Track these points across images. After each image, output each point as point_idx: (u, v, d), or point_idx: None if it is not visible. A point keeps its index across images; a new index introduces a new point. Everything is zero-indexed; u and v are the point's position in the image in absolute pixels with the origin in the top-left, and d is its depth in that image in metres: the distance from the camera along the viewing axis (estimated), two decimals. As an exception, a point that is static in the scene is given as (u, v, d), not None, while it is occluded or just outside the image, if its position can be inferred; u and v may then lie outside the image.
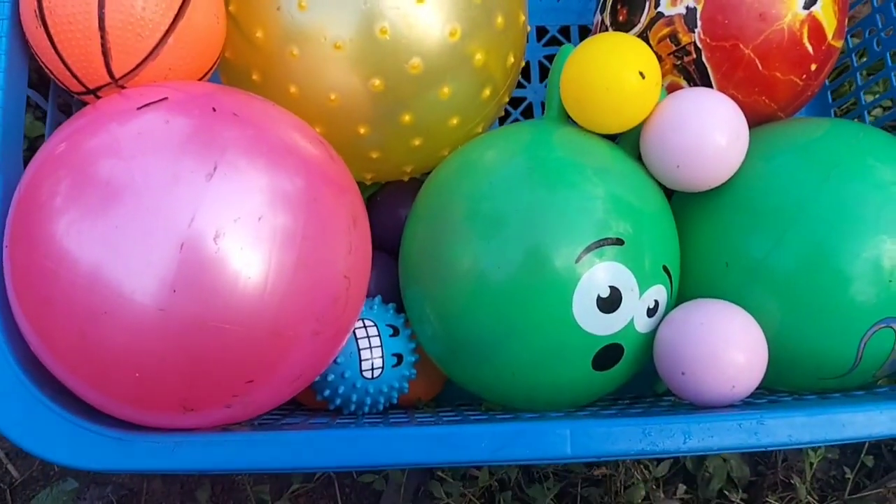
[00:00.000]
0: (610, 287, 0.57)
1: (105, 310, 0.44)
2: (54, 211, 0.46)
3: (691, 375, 0.58)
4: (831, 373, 0.62)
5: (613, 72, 0.61)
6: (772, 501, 0.78)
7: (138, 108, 0.47)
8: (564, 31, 0.90)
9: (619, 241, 0.58)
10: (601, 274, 0.57)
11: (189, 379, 0.47)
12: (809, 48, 0.66)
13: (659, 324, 0.61)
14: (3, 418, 0.51)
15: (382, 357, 0.64)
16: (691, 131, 0.61)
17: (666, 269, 0.61)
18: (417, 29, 0.58)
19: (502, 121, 0.86)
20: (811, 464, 0.79)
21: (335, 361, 0.62)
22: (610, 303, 0.58)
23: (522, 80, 0.87)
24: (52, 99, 0.63)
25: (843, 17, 0.69)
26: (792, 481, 0.80)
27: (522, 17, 0.66)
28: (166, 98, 0.48)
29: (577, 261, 0.57)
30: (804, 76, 0.67)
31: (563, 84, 0.63)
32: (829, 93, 0.89)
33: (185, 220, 0.44)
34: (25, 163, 0.53)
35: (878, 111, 0.88)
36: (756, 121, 0.69)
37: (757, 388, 0.59)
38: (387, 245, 0.73)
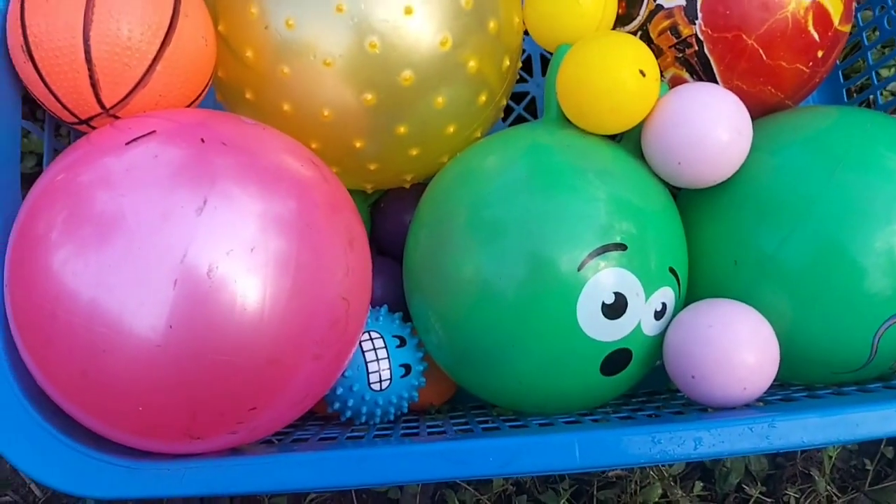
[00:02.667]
0: (615, 293, 0.57)
1: (104, 348, 0.45)
2: (50, 250, 0.46)
3: (701, 378, 0.57)
4: (846, 367, 0.61)
5: (612, 72, 0.59)
6: (791, 494, 0.77)
7: (127, 143, 0.47)
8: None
9: (623, 246, 0.57)
10: (605, 280, 0.57)
11: (192, 410, 0.48)
12: (815, 35, 0.64)
13: (667, 326, 0.61)
14: (14, 450, 0.52)
15: (390, 369, 0.64)
16: (692, 127, 0.60)
17: (673, 271, 0.60)
18: (408, 41, 0.57)
19: (504, 116, 0.85)
20: (830, 456, 0.78)
21: (343, 375, 0.62)
22: (615, 309, 0.57)
23: (524, 74, 0.86)
24: (49, 128, 0.63)
25: (850, 0, 0.67)
26: (811, 473, 0.79)
27: (517, 19, 0.65)
28: (154, 131, 0.48)
29: (579, 268, 0.56)
30: (811, 63, 0.66)
31: (560, 87, 0.62)
32: (840, 72, 0.87)
33: (177, 256, 0.44)
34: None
35: (894, 86, 0.85)
36: (763, 110, 0.68)
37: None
38: (393, 251, 0.73)
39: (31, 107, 0.59)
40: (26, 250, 0.47)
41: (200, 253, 0.45)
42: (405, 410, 0.67)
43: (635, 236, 0.58)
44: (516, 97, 0.85)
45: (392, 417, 0.67)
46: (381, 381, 0.63)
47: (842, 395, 0.62)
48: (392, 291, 0.71)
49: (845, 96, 0.87)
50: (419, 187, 0.70)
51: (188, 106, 0.56)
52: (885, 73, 0.84)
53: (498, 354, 0.60)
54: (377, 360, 0.63)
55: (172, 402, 0.47)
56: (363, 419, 0.65)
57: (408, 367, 0.65)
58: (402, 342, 0.65)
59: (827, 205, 0.58)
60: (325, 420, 0.70)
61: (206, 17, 0.57)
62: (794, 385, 0.67)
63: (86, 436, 0.52)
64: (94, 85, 0.51)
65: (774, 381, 0.58)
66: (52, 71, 0.51)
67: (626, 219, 0.58)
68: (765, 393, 0.59)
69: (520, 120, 0.85)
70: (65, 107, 0.53)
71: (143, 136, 0.48)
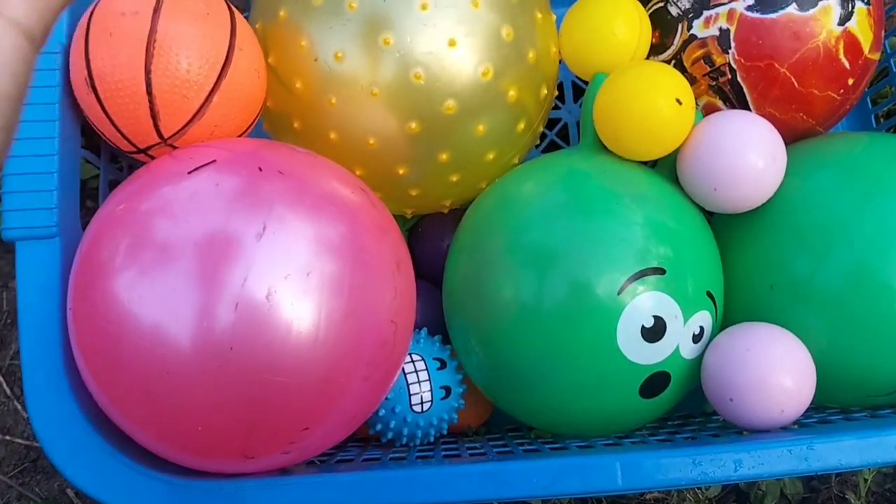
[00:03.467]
0: (654, 317, 0.58)
1: (168, 369, 0.46)
2: (114, 274, 0.48)
3: (740, 401, 0.58)
4: (881, 390, 0.62)
5: (649, 101, 0.61)
6: (826, 517, 0.77)
7: (189, 172, 0.49)
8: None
9: (661, 271, 0.58)
10: (644, 304, 0.58)
11: (248, 430, 0.49)
12: (846, 63, 0.66)
13: (705, 349, 0.62)
14: (75, 470, 0.53)
15: (431, 391, 0.65)
16: (727, 154, 0.61)
17: (710, 295, 0.62)
18: (451, 71, 0.59)
19: (538, 142, 0.86)
20: (865, 479, 0.78)
21: (385, 397, 0.63)
22: (654, 332, 0.58)
23: (556, 101, 0.88)
24: (105, 157, 0.65)
25: (880, 29, 0.68)
26: (846, 496, 0.79)
27: (554, 49, 0.67)
28: (215, 161, 0.50)
29: (619, 292, 0.58)
30: (842, 91, 0.67)
31: (597, 114, 0.64)
32: (868, 98, 0.88)
33: (238, 280, 0.46)
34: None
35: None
36: (795, 136, 0.69)
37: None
38: (430, 275, 0.75)
39: (87, 137, 0.61)
40: (91, 276, 0.49)
41: (260, 277, 0.47)
42: (445, 432, 0.68)
43: (672, 260, 0.59)
44: (549, 123, 0.86)
45: (432, 439, 0.68)
46: (422, 403, 0.65)
47: (877, 417, 0.62)
48: (430, 315, 0.73)
49: (874, 122, 0.88)
50: (456, 212, 0.72)
51: (240, 135, 0.58)
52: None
53: (538, 376, 0.61)
54: (418, 382, 0.65)
55: (230, 422, 0.48)
56: (404, 441, 0.66)
57: (448, 390, 0.66)
58: (443, 364, 0.66)
59: (860, 229, 0.59)
60: (365, 442, 0.72)
61: (258, 50, 0.59)
62: (829, 408, 0.67)
63: (141, 454, 0.54)
64: (153, 116, 0.53)
65: (810, 403, 0.59)
66: (114, 103, 0.53)
67: (663, 243, 0.60)
68: (801, 416, 0.60)
69: (552, 145, 0.87)
70: (125, 137, 0.55)
71: (205, 165, 0.50)
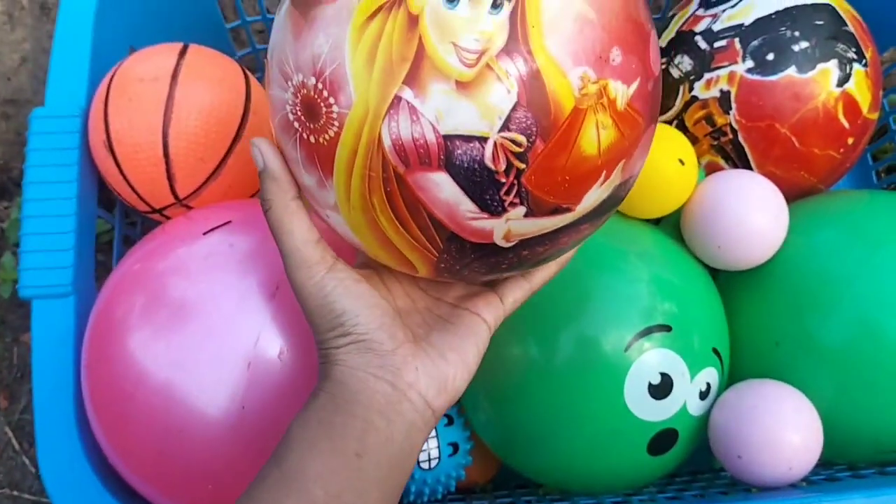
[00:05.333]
0: (660, 374, 0.58)
1: (180, 427, 0.47)
2: (129, 333, 0.49)
3: (748, 458, 0.58)
4: (889, 446, 0.62)
5: (653, 161, 0.61)
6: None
7: (204, 233, 0.50)
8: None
9: (667, 328, 0.59)
10: (651, 361, 0.58)
11: (258, 488, 0.49)
12: (845, 123, 0.67)
13: (712, 406, 0.62)
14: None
15: (438, 447, 0.65)
16: (730, 213, 0.63)
17: (716, 351, 0.62)
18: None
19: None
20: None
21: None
22: (661, 389, 0.58)
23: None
24: (119, 214, 0.66)
25: (878, 89, 0.70)
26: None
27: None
28: (230, 221, 0.51)
29: (626, 349, 0.58)
30: (842, 150, 0.68)
31: (603, 174, 0.65)
32: (868, 155, 0.89)
33: (251, 339, 0.47)
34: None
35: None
36: (797, 194, 0.70)
37: (813, 464, 0.59)
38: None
39: (101, 192, 0.63)
40: (105, 334, 0.50)
41: (273, 336, 0.48)
42: (452, 489, 0.68)
43: (678, 317, 0.60)
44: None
45: (439, 496, 0.67)
46: (429, 460, 0.65)
47: (885, 475, 0.62)
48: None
49: (874, 178, 0.89)
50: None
51: (254, 195, 0.60)
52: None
53: (546, 433, 0.61)
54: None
55: (241, 480, 0.48)
56: (411, 498, 0.66)
57: (455, 446, 0.66)
58: (450, 421, 0.67)
59: (864, 286, 0.60)
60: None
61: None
62: (837, 464, 0.67)
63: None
64: (170, 178, 0.55)
65: (818, 460, 0.59)
66: (131, 165, 0.55)
67: (668, 300, 0.60)
68: (809, 473, 0.60)
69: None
70: (141, 198, 0.56)
71: (220, 226, 0.51)
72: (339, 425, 0.37)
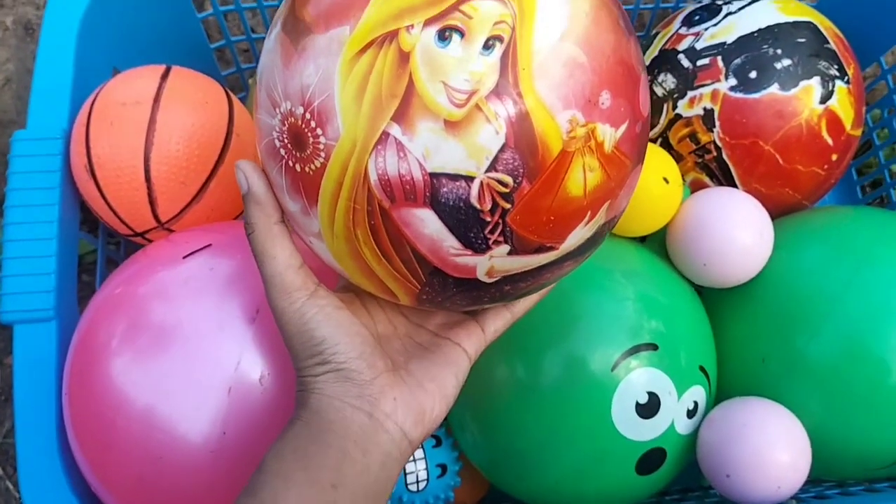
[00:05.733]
0: (648, 392, 0.58)
1: (161, 454, 0.46)
2: (111, 360, 0.48)
3: (736, 477, 0.58)
4: (878, 463, 0.62)
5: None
6: None
7: (184, 257, 0.50)
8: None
9: (653, 346, 0.59)
10: (638, 380, 0.58)
11: (241, 514, 0.49)
12: (829, 140, 0.67)
13: (700, 424, 0.62)
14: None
15: (427, 469, 0.64)
16: (715, 230, 0.63)
17: (703, 369, 0.62)
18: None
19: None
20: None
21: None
22: (649, 408, 0.58)
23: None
24: (102, 236, 0.66)
25: (860, 105, 0.70)
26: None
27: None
28: (210, 245, 0.51)
29: (612, 368, 0.58)
30: (826, 166, 0.69)
31: (588, 193, 0.65)
32: (853, 170, 0.90)
33: (231, 364, 0.47)
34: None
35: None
36: (782, 211, 0.70)
37: (802, 482, 0.59)
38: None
39: (84, 213, 0.63)
40: (87, 360, 0.50)
41: (253, 360, 0.47)
42: (441, 510, 0.67)
43: (665, 335, 0.60)
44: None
45: (428, 518, 0.67)
46: (417, 482, 0.64)
47: (874, 491, 0.62)
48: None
49: (860, 193, 0.89)
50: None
51: (236, 217, 0.59)
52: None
53: (534, 453, 0.61)
54: (414, 460, 0.64)
55: (223, 506, 0.48)
56: (400, 520, 0.66)
57: (444, 468, 0.66)
58: (438, 442, 0.66)
59: (851, 303, 0.60)
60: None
61: (254, 135, 0.61)
62: (826, 481, 0.67)
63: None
64: (151, 202, 0.54)
65: (807, 477, 0.59)
66: (112, 189, 0.54)
67: (654, 318, 0.60)
68: (798, 490, 0.59)
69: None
70: (122, 221, 0.56)
71: (200, 249, 0.50)
72: (314, 455, 0.37)
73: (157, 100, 0.54)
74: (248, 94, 0.80)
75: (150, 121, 0.53)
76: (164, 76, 0.57)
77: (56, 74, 0.60)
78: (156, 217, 0.55)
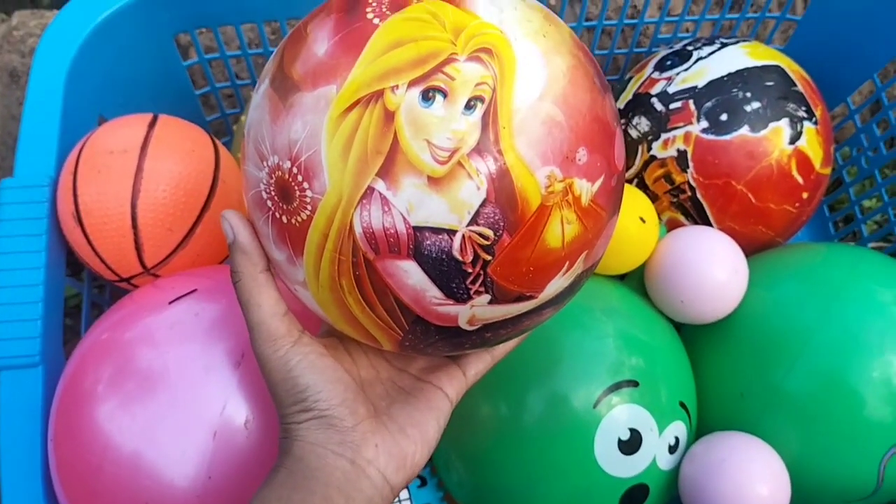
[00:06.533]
0: (629, 429, 0.59)
1: (147, 499, 0.47)
2: (97, 405, 0.49)
3: (718, 511, 0.59)
4: (854, 496, 0.62)
5: (613, 219, 0.64)
6: None
7: (170, 302, 0.51)
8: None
9: (634, 383, 0.60)
10: (619, 417, 0.59)
11: (227, 559, 0.49)
12: (799, 179, 0.69)
13: (682, 460, 0.62)
14: None
15: (412, 509, 0.65)
16: (691, 268, 0.64)
17: (683, 405, 0.63)
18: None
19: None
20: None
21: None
22: (631, 445, 0.59)
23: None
24: (87, 282, 0.66)
25: (829, 145, 0.72)
26: None
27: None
28: (196, 290, 0.52)
29: (594, 405, 0.59)
30: (797, 204, 0.70)
31: (567, 233, 0.66)
32: (825, 206, 0.92)
33: (217, 408, 0.47)
34: (65, 350, 0.57)
35: (873, 226, 0.90)
36: (756, 248, 0.72)
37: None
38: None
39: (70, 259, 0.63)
40: (73, 406, 0.50)
41: (238, 405, 0.48)
42: (427, 550, 0.67)
43: (645, 372, 0.61)
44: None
45: (414, 558, 0.67)
46: (403, 522, 0.64)
47: (854, 523, 0.63)
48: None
49: (832, 228, 0.91)
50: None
51: (222, 262, 0.60)
52: (868, 203, 0.89)
53: (519, 492, 0.61)
54: (399, 501, 0.65)
55: (209, 552, 0.48)
56: (385, 561, 0.66)
57: (429, 507, 0.66)
58: (423, 482, 0.67)
59: (824, 337, 0.61)
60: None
61: (240, 181, 0.62)
62: (806, 514, 0.68)
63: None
64: (138, 248, 0.55)
65: (786, 512, 0.60)
66: (99, 236, 0.55)
67: (635, 355, 0.61)
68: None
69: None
70: (109, 267, 0.56)
71: (186, 294, 0.51)
72: (298, 503, 0.37)
73: (144, 148, 0.55)
74: (232, 139, 0.81)
75: (137, 168, 0.54)
76: (152, 124, 0.58)
77: (43, 122, 0.61)
78: (142, 263, 0.56)
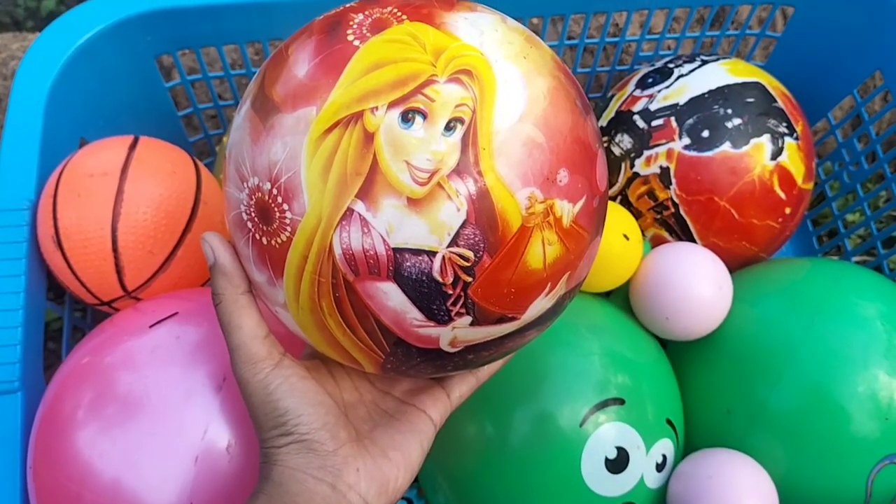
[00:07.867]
0: (616, 448, 0.59)
1: (127, 527, 0.46)
2: (77, 431, 0.48)
3: (706, 529, 0.58)
4: (844, 510, 0.62)
5: (597, 237, 0.64)
6: None
7: (151, 326, 0.50)
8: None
9: (620, 401, 0.60)
10: (606, 435, 0.59)
11: (210, 586, 0.48)
12: (781, 194, 0.70)
13: (669, 477, 0.62)
14: None
15: (399, 531, 0.64)
16: (675, 285, 0.64)
17: (670, 422, 0.63)
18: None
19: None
20: None
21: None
22: (618, 463, 0.59)
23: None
24: (68, 305, 0.66)
25: (810, 161, 0.73)
26: None
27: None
28: (177, 313, 0.51)
29: (581, 424, 0.58)
30: (780, 219, 0.71)
31: (551, 251, 0.66)
32: (808, 221, 0.92)
33: (198, 433, 0.47)
34: (45, 375, 0.56)
35: (857, 240, 0.90)
36: (740, 263, 0.72)
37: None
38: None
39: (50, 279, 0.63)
40: (53, 431, 0.49)
41: (220, 429, 0.47)
42: (414, 573, 0.67)
43: (631, 389, 0.60)
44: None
45: (401, 581, 0.66)
46: (390, 545, 0.64)
47: (843, 539, 0.63)
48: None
49: (816, 243, 0.92)
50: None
51: (203, 284, 0.60)
52: (851, 217, 0.90)
53: (506, 513, 0.61)
54: (386, 523, 0.64)
55: (191, 580, 0.47)
56: (372, 584, 0.65)
57: (416, 529, 0.66)
58: None
59: (809, 353, 0.62)
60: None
61: (222, 202, 0.62)
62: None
63: None
64: (119, 272, 0.55)
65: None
66: (79, 259, 0.54)
67: (621, 372, 0.61)
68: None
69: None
70: (89, 291, 0.56)
71: (167, 318, 0.51)
72: None
73: (124, 170, 0.55)
74: (215, 160, 0.80)
75: (117, 191, 0.54)
76: (132, 147, 0.58)
77: (23, 145, 0.61)
78: (123, 286, 0.55)
